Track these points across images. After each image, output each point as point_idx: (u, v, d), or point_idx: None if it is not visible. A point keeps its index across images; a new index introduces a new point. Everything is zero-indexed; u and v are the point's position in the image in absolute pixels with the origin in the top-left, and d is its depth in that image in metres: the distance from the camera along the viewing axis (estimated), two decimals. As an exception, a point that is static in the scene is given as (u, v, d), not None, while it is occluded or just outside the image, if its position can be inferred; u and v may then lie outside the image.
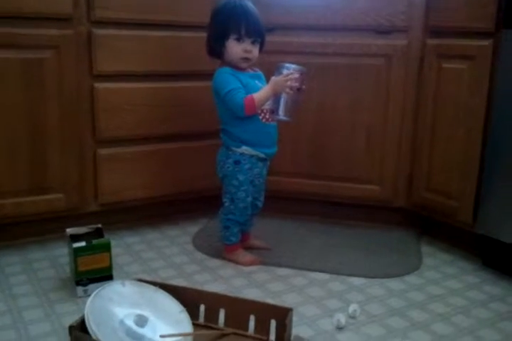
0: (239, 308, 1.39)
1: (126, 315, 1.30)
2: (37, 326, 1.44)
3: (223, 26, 1.72)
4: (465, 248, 2.02)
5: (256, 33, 1.74)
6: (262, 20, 1.76)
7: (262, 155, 1.81)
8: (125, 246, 1.98)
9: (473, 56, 1.82)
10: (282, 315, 1.33)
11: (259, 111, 1.75)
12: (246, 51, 1.73)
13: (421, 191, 2.06)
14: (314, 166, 2.18)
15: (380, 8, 1.99)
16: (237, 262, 1.86)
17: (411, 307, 1.60)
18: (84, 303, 1.28)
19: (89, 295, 1.32)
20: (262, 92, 1.72)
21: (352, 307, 1.54)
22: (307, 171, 2.19)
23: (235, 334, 1.39)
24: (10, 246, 1.92)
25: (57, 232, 1.92)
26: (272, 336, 1.37)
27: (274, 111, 1.75)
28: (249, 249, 1.94)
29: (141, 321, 1.31)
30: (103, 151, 1.97)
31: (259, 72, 1.84)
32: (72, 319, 1.33)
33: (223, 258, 1.89)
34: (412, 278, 1.79)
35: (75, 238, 1.63)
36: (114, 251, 1.82)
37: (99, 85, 1.91)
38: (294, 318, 1.40)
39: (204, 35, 1.79)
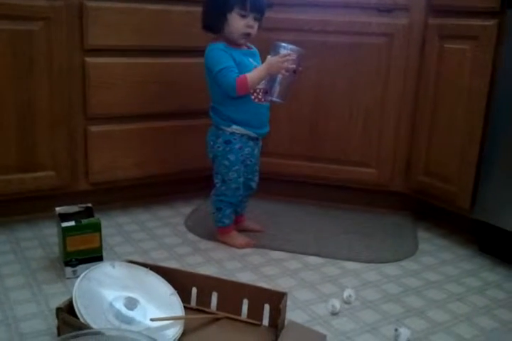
0: (232, 292, 1.36)
1: (115, 297, 1.26)
2: (23, 307, 1.41)
3: (227, 0, 1.65)
4: (462, 233, 1.99)
5: (260, 8, 1.68)
6: None
7: (253, 135, 1.76)
8: (116, 227, 1.94)
9: (476, 36, 1.77)
10: (276, 299, 1.31)
11: (252, 91, 1.70)
12: (248, 26, 1.67)
13: (419, 175, 2.02)
14: (311, 148, 2.14)
15: (382, -14, 1.94)
16: (230, 244, 1.83)
17: (407, 293, 1.58)
18: (73, 284, 1.25)
19: (78, 276, 1.29)
20: (255, 72, 1.66)
21: (347, 293, 1.51)
22: (303, 153, 2.15)
23: (228, 318, 1.36)
24: (-3, 225, 1.89)
25: (46, 211, 1.88)
26: (266, 320, 1.34)
27: (267, 92, 1.70)
28: (243, 231, 1.91)
29: (131, 304, 1.28)
30: (94, 128, 1.92)
31: (254, 49, 1.79)
32: (59, 300, 1.30)
33: (216, 240, 1.85)
34: (408, 264, 1.77)
35: (65, 217, 1.59)
36: (105, 231, 1.78)
37: (91, 60, 1.85)
38: (288, 303, 1.38)
39: (198, 9, 1.72)
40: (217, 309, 1.38)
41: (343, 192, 2.21)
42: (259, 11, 1.68)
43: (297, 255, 1.78)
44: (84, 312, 1.17)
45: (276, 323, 1.27)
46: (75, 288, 1.22)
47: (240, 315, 1.36)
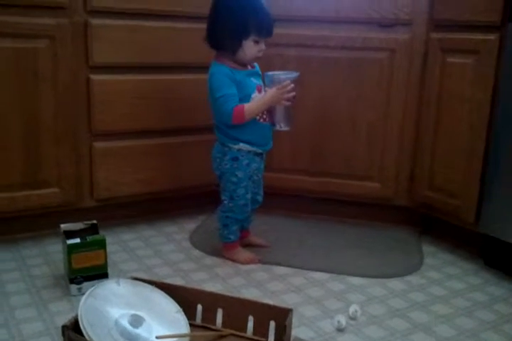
0: (237, 308, 1.36)
1: (121, 315, 1.26)
2: (29, 325, 1.40)
3: (244, 25, 1.63)
4: (467, 247, 1.99)
5: (272, 32, 1.69)
6: None
7: (259, 151, 1.77)
8: (121, 243, 1.94)
9: (478, 50, 1.78)
10: (282, 315, 1.30)
11: None
12: (260, 51, 1.70)
13: (423, 189, 2.02)
14: (314, 163, 2.14)
15: (383, 1, 1.95)
16: (235, 260, 1.82)
17: (412, 309, 1.57)
18: (78, 302, 1.24)
19: (83, 294, 1.29)
20: (254, 105, 1.67)
21: (352, 308, 1.51)
22: (307, 168, 2.15)
23: (233, 335, 1.36)
24: (3, 242, 1.88)
25: (51, 228, 1.88)
26: (271, 337, 1.33)
27: (274, 124, 1.73)
28: (247, 246, 1.90)
29: (137, 321, 1.27)
30: (99, 145, 1.92)
31: (257, 68, 1.78)
32: (65, 318, 1.30)
33: (221, 256, 1.85)
34: (413, 278, 1.76)
35: (70, 234, 1.59)
36: (110, 248, 1.79)
37: (96, 77, 1.87)
38: (294, 319, 1.37)
39: (202, 26, 1.73)
40: (223, 326, 1.38)
41: (347, 206, 2.21)
42: (271, 34, 1.69)
43: (302, 270, 1.78)
44: (90, 330, 1.17)
45: (282, 340, 1.27)
46: (80, 305, 1.22)
47: (245, 332, 1.36)
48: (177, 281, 1.65)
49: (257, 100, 1.68)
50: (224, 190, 1.79)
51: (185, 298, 1.38)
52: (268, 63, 1.84)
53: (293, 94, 1.66)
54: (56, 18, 1.75)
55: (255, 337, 1.34)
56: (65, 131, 1.84)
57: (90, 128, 1.90)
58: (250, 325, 1.35)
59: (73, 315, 1.24)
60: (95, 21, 1.81)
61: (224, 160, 1.75)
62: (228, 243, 1.83)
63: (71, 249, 1.53)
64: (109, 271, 1.62)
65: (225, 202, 1.80)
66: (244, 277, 1.72)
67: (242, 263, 1.81)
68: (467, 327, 1.48)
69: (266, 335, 1.34)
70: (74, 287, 1.56)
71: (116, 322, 1.24)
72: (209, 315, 1.39)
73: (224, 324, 1.38)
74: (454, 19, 1.85)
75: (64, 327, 1.20)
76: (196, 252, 1.89)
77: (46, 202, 1.86)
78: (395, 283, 1.72)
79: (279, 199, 2.23)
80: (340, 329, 1.43)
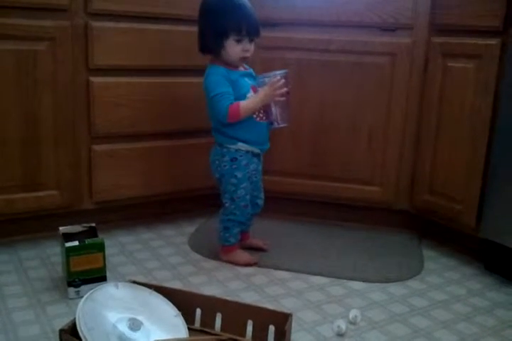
0: (236, 313, 1.35)
1: (119, 319, 1.25)
2: (27, 328, 1.39)
3: (222, 26, 1.65)
4: (467, 252, 1.98)
5: (255, 32, 1.69)
6: (257, 16, 1.70)
7: (257, 151, 1.77)
8: (120, 246, 1.93)
9: (479, 55, 1.78)
10: (281, 320, 1.29)
11: None
12: (245, 51, 1.69)
13: (423, 193, 2.01)
14: (314, 166, 2.14)
15: (385, 5, 1.95)
16: (233, 262, 1.81)
17: (413, 314, 1.56)
18: (76, 305, 1.24)
19: (81, 297, 1.28)
20: (249, 103, 1.67)
21: (352, 313, 1.50)
22: (307, 171, 2.15)
23: (232, 339, 1.35)
24: (1, 244, 1.87)
25: (50, 230, 1.87)
26: (270, 342, 1.32)
27: (272, 123, 1.74)
28: (247, 248, 1.90)
29: (135, 325, 1.26)
30: (98, 148, 1.92)
31: (251, 70, 1.79)
32: (63, 321, 1.29)
33: (220, 259, 1.84)
34: (413, 283, 1.75)
35: (68, 237, 1.58)
36: (109, 250, 1.78)
37: (95, 79, 1.86)
38: (293, 324, 1.36)
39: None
40: (222, 330, 1.36)
41: (347, 210, 2.20)
42: (254, 34, 1.69)
43: (301, 274, 1.77)
44: (88, 334, 1.16)
45: (282, 345, 1.26)
46: (78, 309, 1.21)
47: (244, 336, 1.34)
48: (176, 285, 1.64)
49: (252, 98, 1.69)
50: (224, 193, 1.79)
51: (183, 301, 1.37)
52: (269, 66, 1.84)
53: (285, 89, 1.67)
54: (57, 21, 1.74)
55: (254, 342, 1.34)
56: (64, 133, 1.83)
57: (90, 131, 1.89)
58: (249, 329, 1.34)
59: (71, 318, 1.23)
60: (96, 24, 1.81)
61: (223, 162, 1.75)
62: (228, 245, 1.82)
63: (69, 252, 1.52)
64: (108, 274, 1.61)
65: (227, 204, 1.79)
66: (243, 281, 1.71)
67: (241, 264, 1.80)
68: (468, 332, 1.47)
69: (265, 340, 1.32)
70: (72, 290, 1.54)
71: (115, 326, 1.23)
72: (208, 319, 1.38)
73: (223, 328, 1.37)
74: (455, 24, 1.85)
75: (61, 331, 1.19)
76: (195, 255, 1.88)
77: (45, 205, 1.85)
78: (396, 288, 1.71)
79: (279, 203, 2.22)
80: (340, 335, 1.42)
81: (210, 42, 1.69)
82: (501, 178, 1.73)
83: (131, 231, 2.07)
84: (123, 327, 1.24)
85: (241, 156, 1.74)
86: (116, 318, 1.25)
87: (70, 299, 1.54)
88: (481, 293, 1.71)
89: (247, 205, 1.79)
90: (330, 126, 2.09)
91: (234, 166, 1.74)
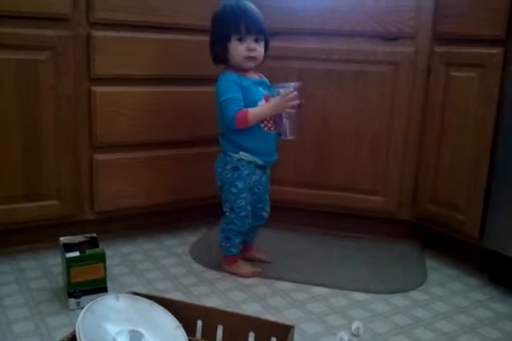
0: (238, 324, 1.33)
1: (119, 331, 1.23)
2: (27, 339, 1.38)
3: (223, 28, 1.67)
4: (471, 263, 1.96)
5: (257, 29, 1.67)
6: (263, 18, 1.70)
7: (261, 162, 1.75)
8: (121, 256, 1.92)
9: (482, 64, 1.77)
10: (283, 332, 1.27)
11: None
12: (249, 49, 1.67)
13: (426, 203, 2.00)
14: (317, 176, 2.13)
15: (387, 14, 1.94)
16: (236, 273, 1.80)
17: (416, 325, 1.54)
18: (77, 316, 1.22)
19: (82, 308, 1.26)
20: (258, 110, 1.66)
21: (355, 325, 1.48)
22: (309, 181, 2.14)
23: (233, 352, 1.33)
24: (1, 254, 1.86)
25: (51, 240, 1.86)
26: (272, 355, 1.31)
27: (280, 134, 1.72)
28: (249, 260, 1.88)
29: (135, 337, 1.25)
30: (100, 157, 1.91)
31: (264, 79, 1.79)
32: (63, 333, 1.28)
33: (222, 269, 1.83)
34: (416, 294, 1.73)
35: (69, 247, 1.57)
36: (110, 261, 1.77)
37: (97, 89, 1.86)
38: (296, 336, 1.35)
39: (205, 38, 1.73)
40: (223, 342, 1.35)
41: (350, 220, 2.19)
42: (256, 32, 1.68)
43: (304, 285, 1.76)
44: (88, 347, 1.15)
45: (284, 357, 1.25)
46: (78, 321, 1.20)
47: (246, 348, 1.33)
48: (177, 296, 1.63)
49: (262, 106, 1.68)
50: (225, 202, 1.78)
51: (185, 313, 1.36)
52: (271, 76, 1.83)
53: (297, 102, 1.65)
54: (59, 30, 1.74)
55: (256, 354, 1.32)
56: (65, 142, 1.83)
57: (91, 140, 1.88)
58: (251, 341, 1.33)
59: (71, 330, 1.22)
60: (98, 33, 1.81)
61: (225, 170, 1.74)
62: (229, 256, 1.81)
63: (70, 263, 1.51)
64: (109, 284, 1.60)
65: (227, 213, 1.78)
66: (245, 292, 1.70)
67: (243, 276, 1.79)
68: (472, 344, 1.46)
69: (267, 352, 1.31)
70: (72, 301, 1.53)
71: (115, 339, 1.21)
72: (209, 331, 1.36)
73: (224, 340, 1.35)
74: (457, 33, 1.85)
75: (61, 343, 1.18)
76: (197, 266, 1.87)
77: (46, 215, 1.84)
78: (399, 299, 1.69)
79: (281, 213, 2.20)
80: (342, 347, 1.41)
81: (217, 49, 1.70)
82: (505, 188, 1.72)
83: (133, 241, 2.06)
84: (123, 340, 1.22)
85: (243, 166, 1.73)
86: (116, 330, 1.23)
87: (71, 310, 1.53)
88: (485, 304, 1.69)
89: (247, 216, 1.78)
90: (332, 135, 2.08)
91: (235, 175, 1.73)
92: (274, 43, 1.77)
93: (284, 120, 1.69)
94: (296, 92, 1.65)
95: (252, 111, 1.65)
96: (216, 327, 1.36)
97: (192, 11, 1.96)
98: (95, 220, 1.97)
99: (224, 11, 1.69)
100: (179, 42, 1.97)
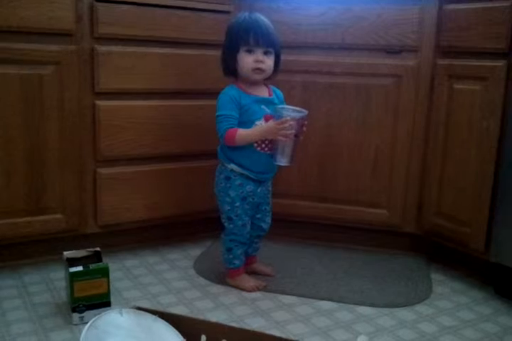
0: (242, 340, 1.32)
1: (123, 347, 1.23)
2: (29, 356, 1.38)
3: (233, 39, 1.68)
4: (476, 276, 1.95)
5: (266, 42, 1.67)
6: (275, 32, 1.70)
7: (251, 176, 1.74)
8: (125, 270, 1.91)
9: (486, 77, 1.77)
10: (288, 348, 1.26)
11: None
12: (257, 61, 1.67)
13: (431, 216, 1.99)
14: (321, 189, 2.12)
15: (389, 27, 1.95)
16: (239, 287, 1.79)
17: (422, 340, 1.53)
18: (80, 331, 1.22)
19: (85, 323, 1.26)
20: (248, 133, 1.66)
21: (360, 339, 1.47)
22: (313, 194, 2.13)
23: (238, 367, 1.32)
24: (4, 269, 1.86)
25: (54, 254, 1.86)
26: (277, 370, 1.29)
27: (272, 156, 1.69)
28: (252, 273, 1.87)
29: (139, 353, 1.24)
30: (104, 171, 1.91)
31: (273, 97, 1.76)
32: (66, 349, 1.27)
33: (226, 283, 1.82)
34: (422, 308, 1.72)
35: (73, 262, 1.57)
36: (114, 275, 1.76)
37: (101, 103, 1.86)
38: (300, 351, 1.33)
39: (208, 52, 1.74)
40: (227, 358, 1.34)
41: (354, 233, 2.18)
42: (266, 44, 1.67)
43: (308, 299, 1.74)
44: (91, 363, 1.14)
45: (288, 373, 1.23)
46: (81, 337, 1.19)
47: (250, 364, 1.32)
48: (181, 310, 1.62)
49: (254, 129, 1.67)
50: (221, 212, 1.79)
51: (189, 328, 1.35)
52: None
53: (292, 132, 1.61)
54: (63, 45, 1.75)
55: (260, 370, 1.31)
56: (69, 156, 1.83)
57: (95, 154, 1.89)
58: (255, 356, 1.32)
59: (74, 345, 1.22)
60: (102, 48, 1.82)
61: (219, 179, 1.75)
62: (233, 269, 1.81)
63: (73, 277, 1.50)
64: (112, 298, 1.59)
65: (225, 224, 1.78)
66: (249, 306, 1.69)
67: (247, 290, 1.78)
68: (479, 359, 1.44)
69: (271, 368, 1.30)
70: (76, 316, 1.53)
71: (118, 354, 1.21)
72: (213, 346, 1.35)
73: (228, 355, 1.34)
74: (461, 46, 1.85)
75: (64, 359, 1.17)
76: (201, 280, 1.86)
77: (49, 229, 1.84)
78: (404, 313, 1.68)
79: (285, 226, 2.20)
80: (347, 362, 1.40)
81: (227, 60, 1.71)
82: (510, 201, 1.71)
83: (137, 254, 2.06)
84: (127, 355, 1.21)
85: (235, 176, 1.73)
86: (120, 346, 1.23)
87: (74, 325, 1.52)
88: (491, 317, 1.67)
89: (244, 225, 1.77)
90: (336, 148, 2.08)
91: (228, 185, 1.73)
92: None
93: (278, 146, 1.65)
94: (292, 122, 1.59)
95: (241, 133, 1.64)
96: (220, 343, 1.35)
97: (195, 26, 1.97)
98: (99, 234, 1.96)
99: (236, 22, 1.70)
100: (182, 57, 1.98)
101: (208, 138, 2.03)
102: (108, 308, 1.53)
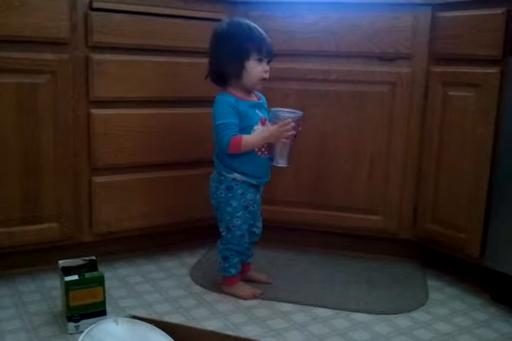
0: (238, 348, 1.32)
1: (118, 356, 1.23)
2: (24, 365, 1.37)
3: (243, 47, 1.66)
4: (473, 281, 1.95)
5: (271, 52, 1.71)
6: None
7: (254, 182, 1.75)
8: (120, 278, 1.90)
9: (479, 84, 1.78)
10: (284, 356, 1.26)
11: None
12: (265, 71, 1.70)
13: (426, 222, 2.00)
14: (316, 196, 2.13)
15: (384, 35, 1.96)
16: (236, 295, 1.79)
17: (419, 347, 1.53)
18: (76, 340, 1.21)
19: (81, 332, 1.25)
20: (253, 139, 1.67)
21: (357, 347, 1.47)
22: (308, 201, 2.14)
23: (234, 376, 1.32)
24: (0, 278, 1.84)
25: (50, 263, 1.86)
26: (274, 379, 1.29)
27: (272, 159, 1.72)
28: (248, 281, 1.87)
29: (135, 362, 1.24)
30: (98, 179, 1.91)
31: (263, 100, 1.79)
32: (61, 358, 1.26)
33: (222, 291, 1.82)
34: (419, 314, 1.72)
35: (68, 270, 1.56)
36: (109, 283, 1.76)
37: (96, 111, 1.86)
38: (297, 359, 1.33)
39: (203, 60, 1.74)
40: (224, 366, 1.34)
41: (350, 240, 2.18)
42: (271, 54, 1.71)
43: (305, 307, 1.74)
44: (86, 373, 1.13)
45: (285, 381, 1.23)
46: (77, 346, 1.19)
47: (247, 372, 1.32)
48: (177, 318, 1.61)
49: (257, 134, 1.68)
50: (220, 221, 1.78)
51: (184, 337, 1.35)
52: (269, 97, 1.84)
53: (292, 133, 1.65)
54: (57, 54, 1.75)
55: (257, 378, 1.30)
56: (64, 165, 1.83)
57: (90, 163, 1.88)
58: (252, 365, 1.32)
59: (70, 355, 1.21)
60: (96, 56, 1.82)
61: (219, 189, 1.74)
62: (229, 277, 1.80)
63: (69, 286, 1.50)
64: (108, 307, 1.59)
65: (223, 233, 1.78)
66: (245, 314, 1.68)
67: (243, 298, 1.77)
68: (475, 366, 1.44)
69: (268, 376, 1.30)
70: (71, 325, 1.52)
71: (114, 364, 1.20)
72: (209, 355, 1.35)
73: (225, 364, 1.34)
74: (454, 53, 1.86)
75: (60, 369, 1.17)
76: (197, 288, 1.86)
77: (44, 237, 1.83)
78: (400, 320, 1.68)
79: (281, 233, 2.20)
80: (344, 370, 1.39)
81: (230, 65, 1.68)
82: (505, 207, 1.71)
83: (132, 263, 2.05)
84: (123, 365, 1.21)
85: (237, 185, 1.73)
86: (115, 355, 1.22)
87: (70, 334, 1.51)
88: (487, 324, 1.68)
89: (243, 234, 1.77)
90: (331, 155, 2.09)
91: (229, 195, 1.73)
92: (272, 64, 1.77)
93: (277, 148, 1.69)
94: (293, 124, 1.64)
95: (245, 139, 1.65)
96: (216, 351, 1.34)
97: (189, 34, 1.97)
98: (94, 242, 1.96)
99: (240, 29, 1.68)
100: (177, 65, 1.99)
101: (202, 146, 2.03)
102: (104, 317, 1.52)
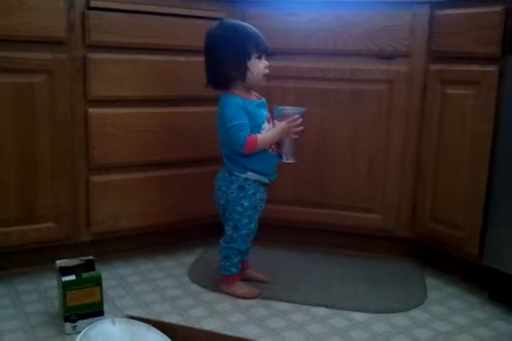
0: (236, 348, 1.32)
1: (115, 356, 1.22)
2: (22, 366, 1.37)
3: (243, 49, 1.67)
4: (471, 280, 1.94)
5: (267, 47, 1.73)
6: None
7: (266, 180, 1.77)
8: (118, 278, 1.90)
9: (478, 82, 1.78)
10: (282, 355, 1.26)
11: None
12: (266, 67, 1.73)
13: (425, 221, 1.99)
14: (314, 194, 2.12)
15: (381, 33, 1.95)
16: (234, 294, 1.78)
17: (417, 346, 1.53)
18: (73, 341, 1.21)
19: (78, 332, 1.25)
20: (267, 136, 1.69)
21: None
22: (307, 199, 2.13)
23: (232, 376, 1.32)
24: (-3, 278, 1.85)
25: (47, 263, 1.84)
26: (272, 379, 1.29)
27: (281, 156, 1.76)
28: (246, 280, 1.86)
29: (132, 363, 1.23)
30: (96, 178, 1.90)
31: (263, 100, 1.79)
32: (59, 359, 1.26)
33: (220, 290, 1.81)
34: (417, 313, 1.72)
35: (65, 270, 1.56)
36: (107, 283, 1.76)
37: (94, 110, 1.86)
38: (295, 359, 1.33)
39: (200, 59, 1.73)
40: (222, 366, 1.33)
41: (349, 238, 2.18)
42: (267, 50, 1.72)
43: (303, 306, 1.74)
44: (83, 373, 1.13)
45: (283, 381, 1.23)
46: (74, 347, 1.19)
47: (244, 372, 1.31)
48: (175, 318, 1.61)
49: (269, 132, 1.71)
50: (228, 220, 1.77)
51: (182, 336, 1.34)
52: (268, 95, 1.83)
53: (301, 128, 1.70)
54: (55, 53, 1.74)
55: (255, 378, 1.30)
56: (61, 165, 1.82)
57: (88, 162, 1.88)
58: (250, 365, 1.31)
59: (67, 356, 1.21)
60: (94, 56, 1.81)
61: (230, 189, 1.74)
62: (228, 276, 1.80)
63: (66, 286, 1.49)
64: (105, 307, 1.58)
65: (228, 232, 1.77)
66: (243, 313, 1.68)
67: (241, 297, 1.77)
68: (474, 365, 1.44)
69: (266, 376, 1.29)
70: (69, 325, 1.52)
71: (111, 364, 1.20)
72: (207, 355, 1.35)
73: (223, 364, 1.34)
74: (453, 51, 1.86)
75: (57, 370, 1.16)
76: (194, 287, 1.85)
77: (42, 237, 1.83)
78: (399, 319, 1.68)
79: (279, 232, 2.20)
80: (342, 369, 1.39)
81: (234, 68, 1.68)
82: (504, 205, 1.71)
83: (130, 262, 2.05)
84: (120, 365, 1.21)
85: (249, 185, 1.73)
86: (112, 356, 1.22)
87: (67, 334, 1.51)
88: (486, 323, 1.67)
89: (249, 234, 1.77)
90: (330, 153, 2.08)
91: (241, 194, 1.73)
92: (270, 63, 1.77)
93: (286, 143, 1.74)
94: (301, 119, 1.69)
95: (260, 137, 1.68)
96: (214, 351, 1.34)
97: (187, 33, 1.97)
98: (92, 242, 1.95)
99: (236, 31, 1.68)
100: (175, 64, 1.98)
101: (201, 144, 2.03)
102: (101, 317, 1.52)
